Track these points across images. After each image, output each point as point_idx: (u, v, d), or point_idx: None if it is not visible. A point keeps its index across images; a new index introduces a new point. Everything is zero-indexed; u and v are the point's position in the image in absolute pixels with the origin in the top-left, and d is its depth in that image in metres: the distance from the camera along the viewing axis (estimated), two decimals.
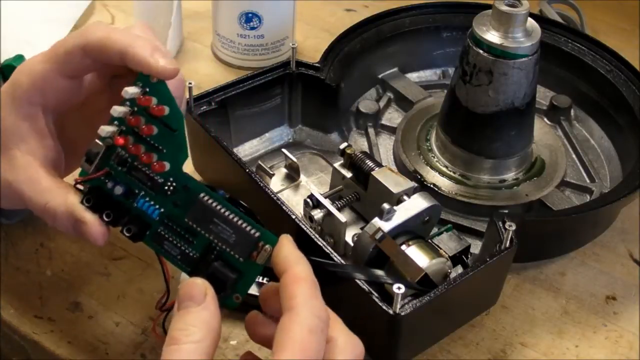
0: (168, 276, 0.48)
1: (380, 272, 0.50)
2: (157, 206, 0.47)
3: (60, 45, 0.50)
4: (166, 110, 0.47)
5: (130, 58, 0.47)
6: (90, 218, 0.47)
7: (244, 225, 0.46)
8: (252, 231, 0.46)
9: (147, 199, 0.47)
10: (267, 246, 0.46)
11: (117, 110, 0.47)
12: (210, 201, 0.46)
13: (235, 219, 0.46)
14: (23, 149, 0.50)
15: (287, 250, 0.45)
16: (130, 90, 0.47)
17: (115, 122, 0.47)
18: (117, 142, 0.47)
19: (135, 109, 0.47)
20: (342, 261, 0.50)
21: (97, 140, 0.47)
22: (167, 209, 0.47)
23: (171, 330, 0.42)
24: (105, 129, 0.47)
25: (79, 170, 0.49)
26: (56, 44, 0.50)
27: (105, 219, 0.47)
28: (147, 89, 0.47)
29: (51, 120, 0.51)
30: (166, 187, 0.47)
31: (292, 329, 0.40)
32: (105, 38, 0.48)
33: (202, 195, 0.46)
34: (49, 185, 0.49)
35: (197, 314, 0.42)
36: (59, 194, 0.48)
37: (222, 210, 0.46)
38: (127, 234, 0.47)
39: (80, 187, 0.48)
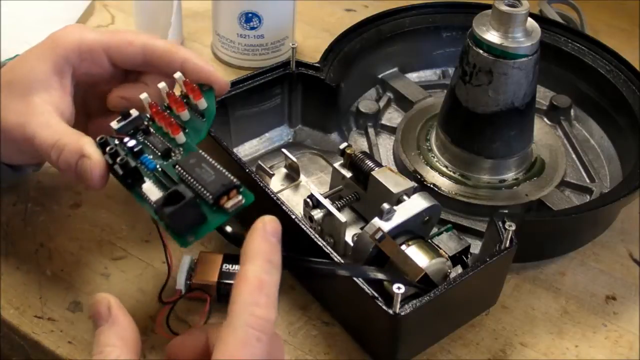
0: (170, 259, 0.52)
1: (370, 269, 0.50)
2: (156, 162, 0.50)
3: (120, 34, 0.54)
4: (204, 103, 0.52)
5: (194, 68, 0.53)
6: (96, 156, 0.49)
7: (227, 172, 0.47)
8: (232, 177, 0.47)
9: (151, 157, 0.50)
10: (240, 197, 0.46)
11: (161, 85, 0.52)
12: (205, 154, 0.48)
13: (222, 169, 0.47)
14: (44, 98, 0.52)
15: (251, 244, 0.43)
16: (177, 75, 0.52)
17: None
18: (151, 108, 0.51)
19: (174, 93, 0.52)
20: (342, 261, 0.50)
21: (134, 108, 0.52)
22: (165, 166, 0.49)
23: (93, 355, 0.42)
24: (144, 95, 0.52)
25: None
26: (115, 30, 0.54)
27: (108, 151, 0.49)
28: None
29: (73, 84, 0.54)
30: (173, 153, 0.50)
31: (226, 342, 0.40)
32: (170, 46, 0.53)
33: (201, 151, 0.49)
34: (64, 129, 0.51)
35: (108, 332, 0.43)
36: (73, 135, 0.50)
37: (213, 162, 0.48)
38: (119, 162, 0.48)
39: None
